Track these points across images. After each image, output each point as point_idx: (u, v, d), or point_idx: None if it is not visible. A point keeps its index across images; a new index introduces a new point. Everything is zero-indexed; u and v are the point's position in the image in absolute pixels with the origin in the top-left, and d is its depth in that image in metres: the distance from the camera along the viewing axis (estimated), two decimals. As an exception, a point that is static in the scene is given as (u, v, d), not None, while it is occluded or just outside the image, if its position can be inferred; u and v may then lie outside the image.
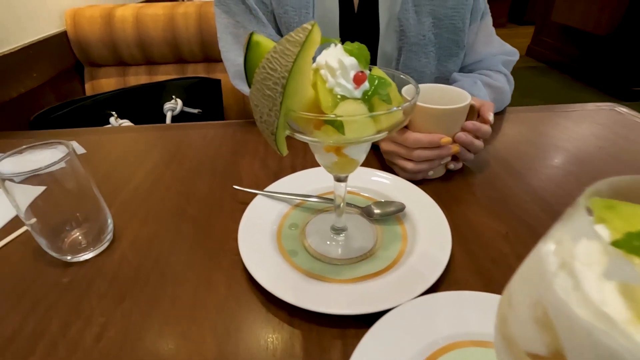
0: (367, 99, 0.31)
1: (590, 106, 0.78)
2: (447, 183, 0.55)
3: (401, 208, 0.46)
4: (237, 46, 0.69)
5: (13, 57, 0.96)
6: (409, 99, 0.32)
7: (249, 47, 0.28)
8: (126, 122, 0.94)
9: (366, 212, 0.47)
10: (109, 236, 0.46)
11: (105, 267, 0.43)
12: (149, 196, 0.53)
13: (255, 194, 0.50)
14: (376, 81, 0.31)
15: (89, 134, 0.74)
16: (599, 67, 2.96)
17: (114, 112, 0.92)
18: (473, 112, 0.55)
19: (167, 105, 1.03)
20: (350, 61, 0.30)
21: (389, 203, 0.48)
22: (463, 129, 0.52)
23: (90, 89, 1.27)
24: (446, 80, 0.75)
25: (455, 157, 0.54)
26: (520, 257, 0.44)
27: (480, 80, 0.70)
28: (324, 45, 0.31)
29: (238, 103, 1.27)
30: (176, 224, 0.48)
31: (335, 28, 0.69)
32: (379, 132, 0.31)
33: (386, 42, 0.71)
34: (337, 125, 0.29)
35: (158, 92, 1.05)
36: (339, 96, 0.30)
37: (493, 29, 0.75)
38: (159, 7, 1.21)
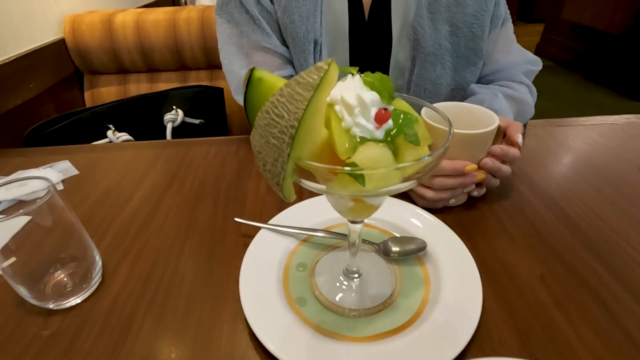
0: (390, 140, 0.26)
1: (621, 119, 0.72)
2: (471, 212, 0.49)
3: (422, 247, 0.41)
4: (240, 57, 0.65)
5: (8, 67, 0.92)
6: (441, 128, 0.27)
7: (250, 83, 0.24)
8: (124, 136, 0.90)
9: (382, 250, 0.42)
10: (97, 278, 0.42)
11: (94, 314, 0.38)
12: (144, 227, 0.49)
13: (259, 228, 0.45)
14: (401, 117, 0.26)
15: (83, 151, 0.70)
16: (612, 67, 2.87)
17: (111, 126, 0.88)
18: (499, 133, 0.49)
19: (168, 117, 0.99)
20: (371, 97, 0.25)
21: (408, 240, 0.43)
22: (489, 154, 0.47)
23: (90, 97, 1.23)
24: (463, 91, 0.69)
25: (479, 183, 0.49)
26: (560, 305, 0.39)
27: (502, 92, 0.64)
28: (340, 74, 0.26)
29: (242, 111, 1.22)
30: (174, 261, 0.44)
31: (344, 37, 0.64)
32: (405, 179, 0.26)
33: (399, 52, 0.65)
34: (356, 175, 0.24)
35: (158, 103, 1.00)
36: (357, 138, 0.25)
37: (514, 36, 0.70)
38: (160, 12, 1.17)
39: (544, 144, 0.65)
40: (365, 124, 0.25)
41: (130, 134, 0.94)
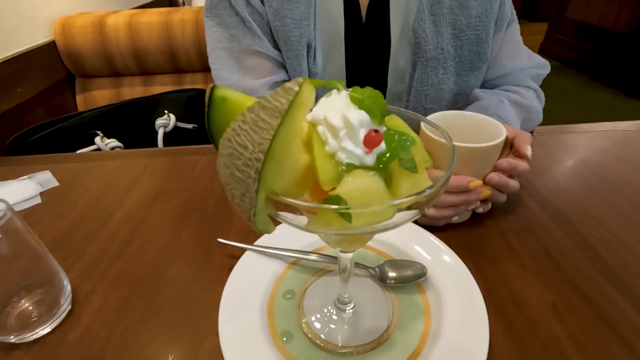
0: (383, 166, 0.22)
1: (634, 125, 0.68)
2: (476, 230, 0.45)
3: (422, 273, 0.38)
4: (230, 62, 0.61)
5: (-7, 72, 0.89)
6: (444, 143, 0.23)
7: (212, 104, 0.20)
8: (113, 142, 0.86)
9: (378, 276, 0.39)
10: (65, 306, 0.38)
11: (60, 349, 0.35)
12: (123, 249, 0.45)
13: (245, 249, 0.42)
14: (395, 139, 0.23)
15: (67, 161, 0.66)
16: (618, 66, 2.81)
17: (99, 132, 0.84)
18: (506, 145, 0.46)
19: (159, 122, 0.95)
20: (360, 116, 0.21)
21: (406, 264, 0.39)
22: (496, 168, 0.43)
23: (82, 101, 1.20)
24: (466, 96, 0.66)
25: (484, 199, 0.45)
26: (575, 340, 0.33)
27: (507, 98, 0.60)
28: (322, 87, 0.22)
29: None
30: (152, 289, 0.40)
31: (340, 41, 0.60)
32: (402, 209, 0.22)
33: (399, 56, 0.61)
34: (342, 212, 0.20)
35: (150, 108, 0.97)
36: (343, 165, 0.21)
37: (520, 38, 0.66)
38: (154, 13, 1.14)
39: (552, 153, 0.61)
40: (353, 149, 0.21)
41: (120, 140, 0.90)
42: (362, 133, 0.21)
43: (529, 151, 0.44)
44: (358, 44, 0.61)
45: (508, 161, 0.43)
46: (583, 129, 0.67)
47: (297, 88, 0.16)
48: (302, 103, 0.17)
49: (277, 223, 0.24)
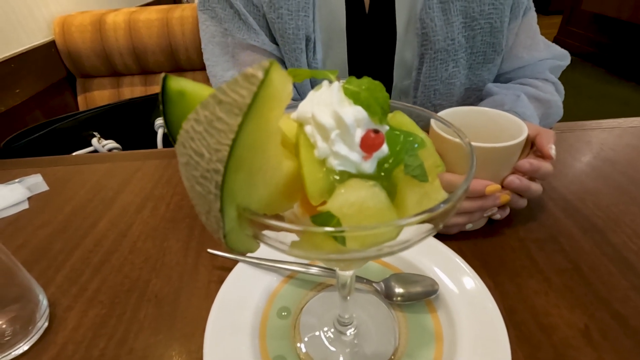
0: (385, 175, 0.18)
1: (666, 120, 0.62)
2: (492, 239, 0.41)
3: (432, 291, 0.33)
4: (225, 58, 0.57)
5: (-10, 72, 0.87)
6: (458, 143, 0.19)
7: (167, 100, 0.16)
8: (111, 143, 0.84)
9: (383, 291, 0.35)
10: (41, 323, 0.35)
11: (32, 373, 0.32)
12: (106, 259, 0.42)
13: (237, 261, 0.38)
14: (400, 141, 0.18)
15: (59, 163, 0.64)
16: (637, 59, 2.70)
17: (96, 133, 0.82)
18: (526, 144, 0.41)
19: (158, 122, 0.92)
20: (355, 113, 0.17)
21: (415, 278, 0.35)
22: (515, 170, 0.39)
23: (83, 101, 1.18)
24: (479, 91, 0.61)
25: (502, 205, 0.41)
26: None
27: (525, 92, 0.55)
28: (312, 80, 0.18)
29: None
30: (133, 304, 0.37)
31: (341, 33, 0.56)
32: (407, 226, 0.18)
33: (405, 48, 0.57)
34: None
35: (148, 108, 0.94)
36: (335, 173, 0.17)
37: (537, 27, 0.61)
38: (153, 11, 1.11)
39: (575, 152, 0.56)
40: (347, 153, 0.17)
41: (118, 142, 0.88)
42: (359, 134, 0.17)
43: (552, 151, 0.39)
44: (361, 36, 0.56)
45: (530, 162, 0.38)
46: (609, 125, 0.61)
47: (261, 75, 0.12)
48: (272, 95, 0.13)
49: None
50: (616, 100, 2.46)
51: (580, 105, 2.37)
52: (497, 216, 0.41)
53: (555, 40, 3.66)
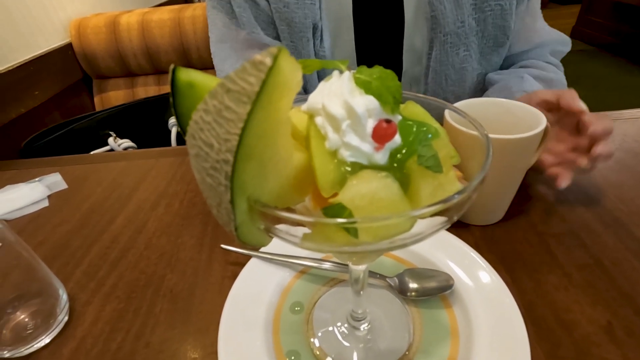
0: (397, 165, 0.17)
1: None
2: (510, 235, 0.40)
3: (447, 286, 0.33)
4: (231, 53, 0.58)
5: (10, 75, 0.90)
6: (474, 135, 0.19)
7: (177, 92, 0.16)
8: (126, 142, 0.85)
9: (397, 286, 0.34)
10: (62, 317, 0.36)
11: (53, 364, 0.32)
12: (122, 255, 0.43)
13: (250, 256, 0.38)
14: (413, 131, 0.18)
15: (77, 162, 0.65)
16: (661, 48, 2.59)
17: (112, 132, 0.83)
18: (545, 136, 0.40)
19: (172, 121, 0.93)
20: (367, 103, 0.17)
21: (429, 273, 0.34)
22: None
23: (99, 102, 1.21)
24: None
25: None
26: None
27: (528, 73, 0.54)
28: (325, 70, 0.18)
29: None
30: (151, 298, 0.37)
31: (348, 19, 0.55)
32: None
33: (414, 33, 0.56)
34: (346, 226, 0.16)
35: (162, 106, 0.96)
36: (347, 165, 0.17)
37: (540, 11, 0.59)
38: (165, 11, 1.12)
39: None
40: (359, 144, 0.17)
41: (133, 140, 0.89)
42: (371, 124, 0.17)
43: (582, 104, 0.38)
44: (368, 22, 0.56)
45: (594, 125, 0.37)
46: (632, 115, 0.59)
47: (269, 61, 0.12)
48: (281, 83, 0.13)
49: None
50: (639, 90, 2.37)
51: (600, 97, 2.29)
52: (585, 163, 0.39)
53: (574, 31, 3.52)
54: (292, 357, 0.30)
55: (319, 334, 0.32)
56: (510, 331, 0.29)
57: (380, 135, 0.17)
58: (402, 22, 0.55)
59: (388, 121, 0.17)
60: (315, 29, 0.53)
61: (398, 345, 0.30)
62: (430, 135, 0.18)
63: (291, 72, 0.13)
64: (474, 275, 0.34)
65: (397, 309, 0.33)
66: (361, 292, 0.30)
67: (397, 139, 0.18)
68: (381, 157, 0.17)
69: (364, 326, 0.32)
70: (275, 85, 0.12)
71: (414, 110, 0.20)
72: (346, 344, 0.31)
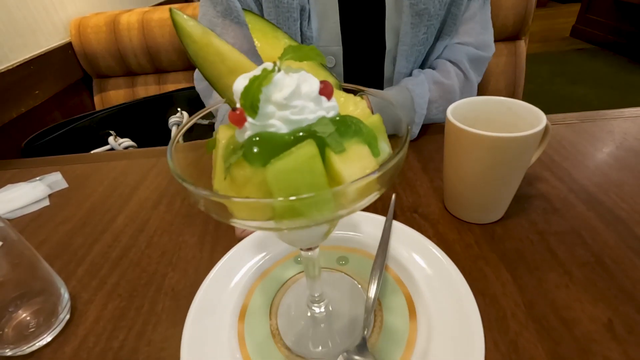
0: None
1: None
2: (510, 233, 0.40)
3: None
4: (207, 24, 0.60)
5: (10, 74, 0.90)
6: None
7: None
8: (127, 141, 0.85)
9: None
10: (63, 315, 0.36)
11: (56, 362, 0.33)
12: (124, 254, 0.43)
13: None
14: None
15: (77, 161, 0.65)
16: (663, 47, 2.59)
17: (112, 132, 0.83)
18: (547, 134, 0.40)
19: (172, 120, 0.93)
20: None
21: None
22: None
23: (99, 102, 1.21)
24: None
25: None
26: None
27: (426, 75, 0.58)
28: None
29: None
30: (152, 296, 0.37)
31: (334, 4, 0.57)
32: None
33: (394, 14, 0.58)
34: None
35: (162, 105, 0.96)
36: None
37: (481, 13, 0.62)
38: (165, 10, 1.12)
39: (597, 142, 0.54)
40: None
41: (133, 140, 0.89)
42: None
43: None
44: (352, 4, 0.57)
45: None
46: (632, 114, 0.59)
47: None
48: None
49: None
50: (640, 89, 2.36)
51: (601, 96, 2.29)
52: None
53: (574, 29, 3.52)
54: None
55: (281, 318, 0.33)
56: (465, 310, 0.30)
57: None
58: (384, 4, 0.57)
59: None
60: (302, 10, 0.54)
61: (357, 326, 0.31)
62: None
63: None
64: (431, 265, 0.35)
65: (355, 292, 0.34)
66: (316, 277, 0.30)
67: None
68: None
69: (321, 309, 0.32)
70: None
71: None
72: (305, 325, 0.32)
